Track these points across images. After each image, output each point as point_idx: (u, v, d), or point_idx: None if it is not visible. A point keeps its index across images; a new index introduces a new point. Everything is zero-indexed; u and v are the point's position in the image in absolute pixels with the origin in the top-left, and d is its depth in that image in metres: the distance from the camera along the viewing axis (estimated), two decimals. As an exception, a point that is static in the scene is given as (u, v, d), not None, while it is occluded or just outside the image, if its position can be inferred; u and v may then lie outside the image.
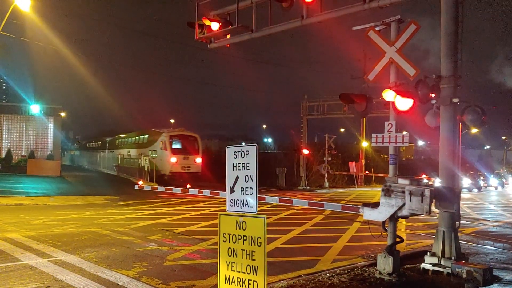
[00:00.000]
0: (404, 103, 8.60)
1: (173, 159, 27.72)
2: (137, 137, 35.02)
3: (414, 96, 8.63)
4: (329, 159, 35.68)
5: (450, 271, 8.09)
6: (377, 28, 9.28)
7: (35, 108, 33.96)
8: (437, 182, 9.56)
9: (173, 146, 28.51)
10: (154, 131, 31.82)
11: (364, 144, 37.99)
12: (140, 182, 22.73)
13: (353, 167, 36.49)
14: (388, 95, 8.60)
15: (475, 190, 38.29)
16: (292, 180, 36.04)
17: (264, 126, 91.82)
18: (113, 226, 13.95)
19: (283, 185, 34.92)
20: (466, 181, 37.18)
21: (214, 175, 29.52)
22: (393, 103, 8.77)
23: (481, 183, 41.82)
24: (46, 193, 23.29)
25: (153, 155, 28.41)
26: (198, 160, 27.33)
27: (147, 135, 32.52)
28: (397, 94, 8.56)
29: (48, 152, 35.26)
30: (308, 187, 34.40)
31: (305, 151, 35.31)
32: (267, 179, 34.75)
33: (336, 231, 13.96)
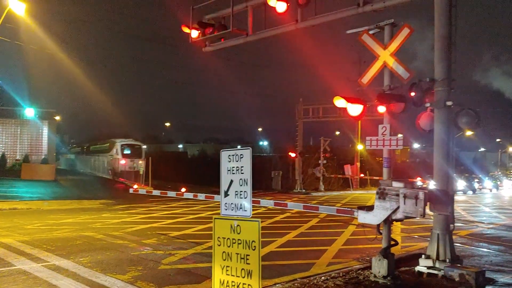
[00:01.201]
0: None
1: (123, 162, 36.54)
2: (104, 144, 43.52)
3: (408, 99, 8.70)
4: (325, 162, 35.72)
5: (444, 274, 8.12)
6: (371, 32, 9.33)
7: (29, 112, 33.75)
8: (432, 185, 9.61)
9: (124, 152, 37.74)
10: (112, 140, 40.76)
11: (359, 147, 38.05)
12: (135, 186, 22.67)
13: (348, 170, 36.54)
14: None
15: (470, 192, 38.41)
16: (288, 183, 36.04)
17: (260, 129, 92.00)
18: (108, 230, 13.90)
19: (279, 188, 34.93)
20: (460, 184, 37.27)
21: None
22: (387, 106, 8.83)
23: (476, 185, 41.94)
24: (41, 197, 23.18)
25: (110, 158, 38.34)
26: (140, 161, 36.04)
27: (108, 143, 41.42)
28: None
29: (43, 156, 35.05)
30: (304, 190, 34.40)
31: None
32: (263, 182, 34.74)
33: (331, 234, 13.96)
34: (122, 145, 38.27)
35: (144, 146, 42.40)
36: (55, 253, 10.37)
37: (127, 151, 37.96)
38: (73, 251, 10.59)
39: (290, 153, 35.71)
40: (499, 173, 65.12)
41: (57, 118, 38.31)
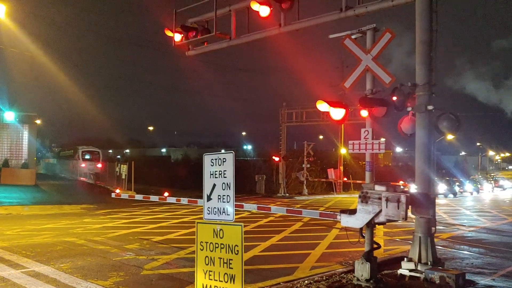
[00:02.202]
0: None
1: (83, 165, 42.32)
2: (69, 151, 50.92)
3: (390, 103, 8.78)
4: (308, 166, 35.85)
5: (426, 277, 8.19)
6: (353, 36, 9.41)
7: (9, 116, 33.14)
8: (413, 188, 9.71)
9: (84, 157, 44.85)
10: (76, 147, 48.50)
11: (343, 151, 38.30)
12: (117, 191, 22.44)
13: (331, 173, 36.74)
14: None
15: (451, 195, 38.90)
16: (272, 187, 36.07)
17: (244, 133, 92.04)
18: (89, 235, 13.71)
19: (263, 192, 34.92)
20: (441, 187, 37.73)
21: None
22: (369, 110, 8.90)
23: (457, 188, 42.48)
24: (21, 203, 22.76)
25: (74, 162, 45.21)
26: (99, 165, 39.29)
27: (72, 150, 49.11)
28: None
29: (23, 161, 34.48)
30: (287, 194, 34.47)
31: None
32: (247, 186, 34.71)
33: (315, 238, 13.99)
34: (82, 151, 45.76)
35: (111, 151, 51.50)
36: (34, 259, 10.18)
37: (87, 156, 45.18)
38: (53, 257, 10.42)
39: (274, 157, 35.79)
40: (480, 176, 66.21)
41: (38, 122, 37.70)
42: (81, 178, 40.47)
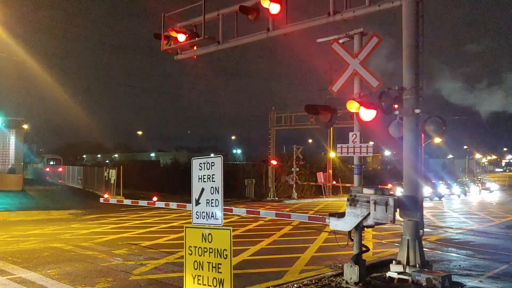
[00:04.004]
0: (367, 114, 8.80)
1: (48, 169, 52.94)
2: (40, 157, 62.21)
3: (377, 107, 8.81)
4: (297, 169, 35.89)
5: (414, 279, 8.24)
6: (341, 41, 9.46)
7: (-5, 121, 32.81)
8: (398, 191, 9.78)
9: (49, 163, 55.67)
10: (42, 155, 60.91)
11: (332, 154, 38.41)
12: (106, 196, 22.24)
13: (320, 177, 36.81)
14: (353, 106, 8.77)
15: (436, 198, 39.14)
16: (261, 191, 36.03)
17: (233, 137, 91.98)
18: (77, 241, 13.59)
19: (252, 196, 34.88)
20: (427, 190, 37.94)
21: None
22: (357, 113, 8.94)
23: (445, 191, 42.76)
24: (7, 208, 22.48)
25: (41, 167, 56.41)
26: (60, 169, 49.23)
27: (41, 157, 60.46)
28: (361, 105, 8.74)
29: (10, 166, 34.12)
30: (277, 198, 34.46)
31: (274, 162, 35.39)
32: (236, 191, 34.63)
33: (304, 242, 14.01)
34: (47, 158, 57.89)
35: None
36: (21, 265, 10.06)
37: (51, 162, 56.13)
38: (40, 263, 10.30)
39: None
40: (467, 179, 66.76)
41: (25, 126, 37.29)
42: (60, 181, 45.99)
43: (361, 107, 8.76)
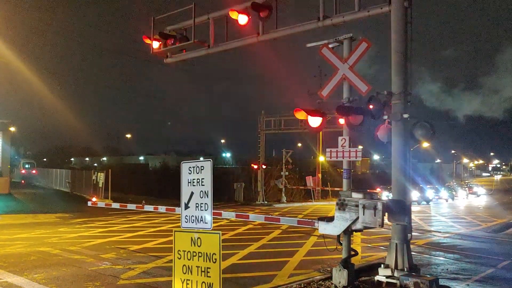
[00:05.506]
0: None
1: (23, 171, 58.67)
2: (19, 161, 66.64)
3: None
4: (287, 173, 35.95)
5: (402, 283, 8.29)
6: (330, 46, 9.52)
7: (-18, 123, 32.43)
8: (384, 196, 9.85)
9: (24, 166, 60.88)
10: (20, 160, 65.21)
11: (321, 158, 38.53)
12: (94, 199, 22.11)
13: (310, 181, 36.91)
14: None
15: (424, 202, 39.43)
16: (250, 195, 36.02)
17: (223, 141, 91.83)
18: (64, 245, 13.46)
19: (241, 200, 34.85)
20: (415, 194, 38.22)
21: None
22: (346, 119, 9.01)
23: (432, 195, 43.11)
24: (-7, 212, 22.23)
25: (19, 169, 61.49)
26: (34, 171, 57.25)
27: (22, 161, 65.00)
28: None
29: (-4, 169, 33.79)
30: (266, 202, 34.47)
31: (263, 166, 35.41)
32: (225, 194, 34.57)
33: (293, 246, 14.02)
34: (23, 162, 63.09)
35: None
36: (7, 269, 9.94)
37: (26, 166, 61.29)
38: (27, 268, 10.19)
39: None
40: (454, 183, 67.41)
41: (12, 129, 36.92)
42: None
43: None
